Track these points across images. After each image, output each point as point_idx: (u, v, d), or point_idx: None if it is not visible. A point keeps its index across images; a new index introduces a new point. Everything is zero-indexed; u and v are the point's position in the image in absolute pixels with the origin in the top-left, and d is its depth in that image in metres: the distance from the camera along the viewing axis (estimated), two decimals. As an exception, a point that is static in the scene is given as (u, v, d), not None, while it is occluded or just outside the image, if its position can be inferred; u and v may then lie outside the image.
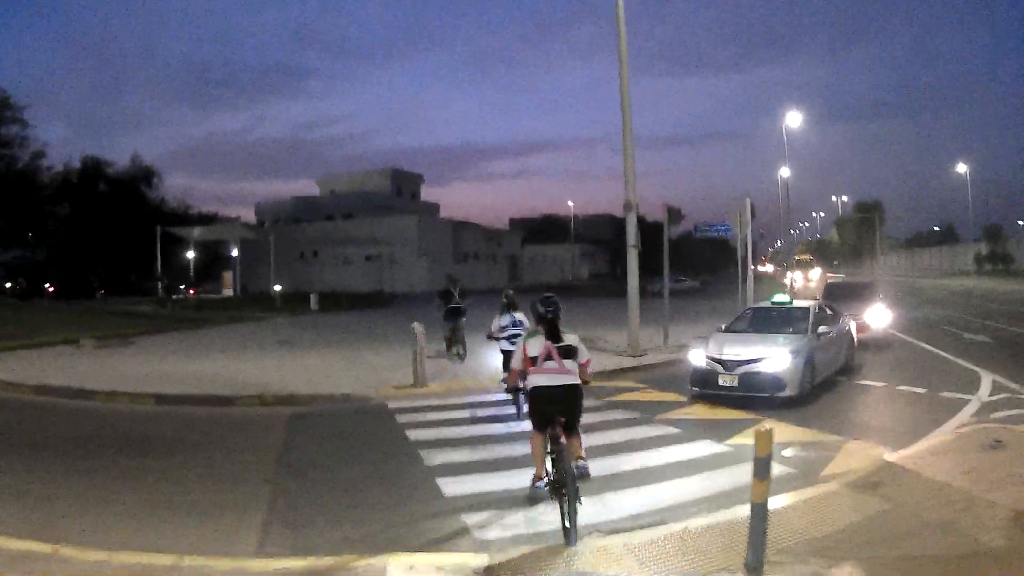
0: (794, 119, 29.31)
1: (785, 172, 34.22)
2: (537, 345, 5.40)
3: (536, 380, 5.34)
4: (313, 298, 32.79)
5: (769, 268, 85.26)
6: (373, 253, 57.20)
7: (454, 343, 14.01)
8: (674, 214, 16.50)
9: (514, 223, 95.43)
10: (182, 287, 44.59)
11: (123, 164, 58.92)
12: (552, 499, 5.11)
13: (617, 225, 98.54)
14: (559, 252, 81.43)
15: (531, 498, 5.57)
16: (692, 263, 76.15)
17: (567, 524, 4.63)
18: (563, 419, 5.18)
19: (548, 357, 5.34)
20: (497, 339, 9.64)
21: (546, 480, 5.31)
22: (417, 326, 10.97)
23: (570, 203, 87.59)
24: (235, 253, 43.81)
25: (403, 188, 67.60)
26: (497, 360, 10.38)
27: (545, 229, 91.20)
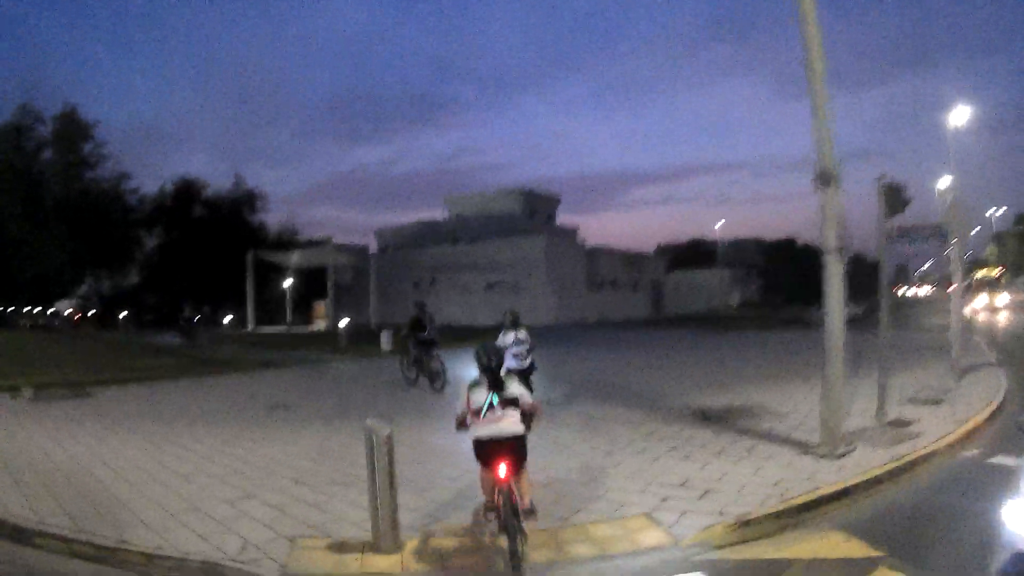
0: (960, 115, 21.79)
1: (945, 182, 26.93)
2: (480, 395, 5.46)
3: (478, 431, 5.45)
4: (385, 337, 26.61)
5: (923, 291, 75.09)
6: (495, 280, 52.29)
7: (428, 372, 13.83)
8: (896, 196, 9.70)
9: (659, 249, 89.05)
10: (228, 317, 41.37)
11: (226, 188, 57.31)
12: (499, 533, 5.28)
13: (767, 249, 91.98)
14: (706, 278, 74.20)
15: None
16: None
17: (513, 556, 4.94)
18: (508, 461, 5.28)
19: (489, 408, 5.42)
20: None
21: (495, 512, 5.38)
22: (374, 425, 5.80)
23: (716, 226, 79.27)
24: (330, 280, 39.90)
25: (537, 211, 61.90)
26: None
27: (690, 255, 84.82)
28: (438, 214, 64.33)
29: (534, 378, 10.89)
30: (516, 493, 5.19)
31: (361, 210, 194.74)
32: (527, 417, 5.57)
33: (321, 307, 46.09)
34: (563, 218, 66.50)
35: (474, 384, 5.61)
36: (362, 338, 30.55)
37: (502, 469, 5.21)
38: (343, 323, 31.69)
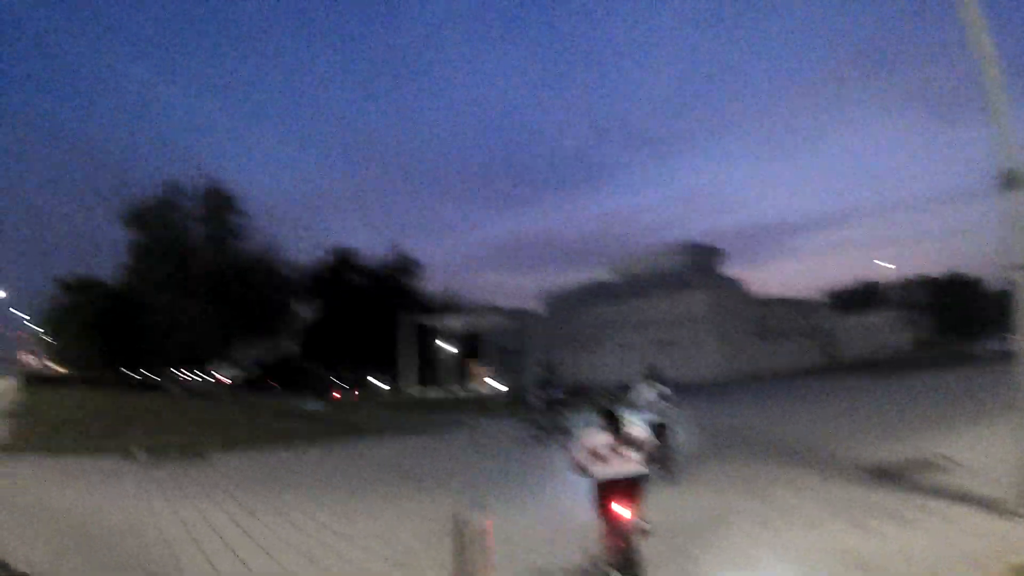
0: None
1: None
2: (597, 437, 5.67)
3: (599, 471, 5.56)
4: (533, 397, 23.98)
5: None
6: (660, 337, 51.63)
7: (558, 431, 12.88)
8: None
9: (826, 295, 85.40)
10: (383, 380, 41.48)
11: (380, 255, 58.26)
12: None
13: (933, 286, 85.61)
14: (874, 321, 70.20)
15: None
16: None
17: None
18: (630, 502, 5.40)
19: (613, 451, 5.57)
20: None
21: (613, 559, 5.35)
22: (466, 514, 5.55)
23: (882, 267, 74.98)
24: (487, 342, 40.47)
25: (701, 264, 60.24)
26: None
27: (857, 298, 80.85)
28: (603, 276, 64.62)
29: (680, 431, 11.10)
30: (635, 541, 5.29)
31: (523, 275, 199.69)
32: (650, 458, 5.73)
33: (480, 369, 46.36)
34: (728, 271, 64.72)
35: (591, 428, 5.81)
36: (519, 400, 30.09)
37: (626, 510, 5.32)
38: (497, 384, 31.39)
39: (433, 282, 60.75)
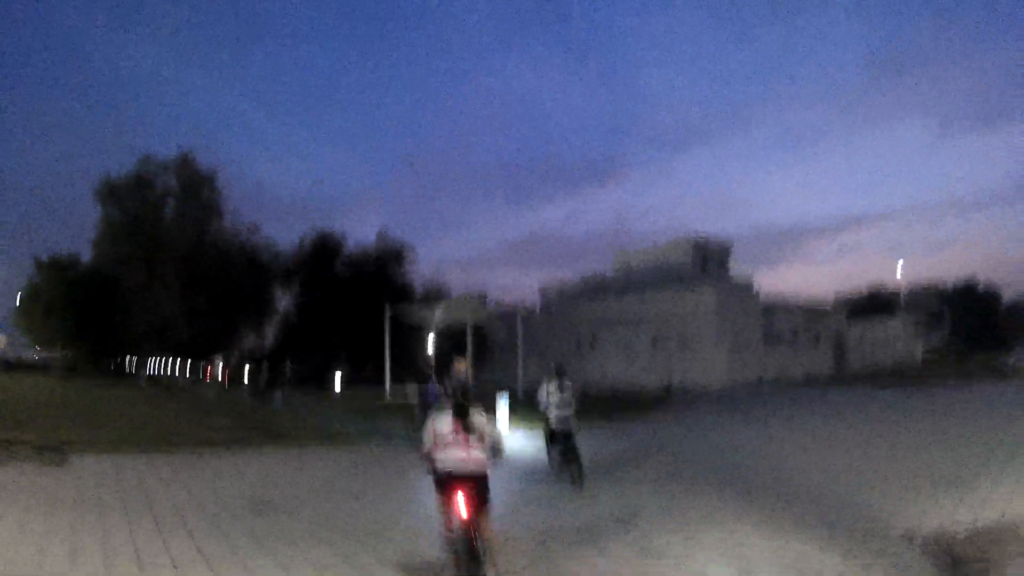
0: None
1: None
2: (444, 423, 5.73)
3: (443, 461, 5.63)
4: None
5: None
6: (659, 336, 48.11)
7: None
8: None
9: (838, 300, 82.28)
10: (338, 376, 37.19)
11: (365, 242, 55.15)
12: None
13: (948, 295, 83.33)
14: (888, 329, 67.04)
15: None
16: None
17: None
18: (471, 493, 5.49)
19: (455, 432, 5.66)
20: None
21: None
22: None
23: (897, 274, 72.66)
24: (469, 336, 34.48)
25: (709, 261, 56.26)
26: None
27: (870, 305, 78.70)
28: (604, 271, 61.48)
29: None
30: (476, 539, 5.39)
31: (537, 272, 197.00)
32: (493, 451, 5.76)
33: (461, 365, 41.17)
34: (739, 270, 60.60)
35: (439, 413, 5.88)
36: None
37: (462, 506, 5.39)
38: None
39: (434, 272, 55.92)
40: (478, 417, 5.68)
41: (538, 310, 57.26)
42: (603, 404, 26.09)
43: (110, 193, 44.76)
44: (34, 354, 68.03)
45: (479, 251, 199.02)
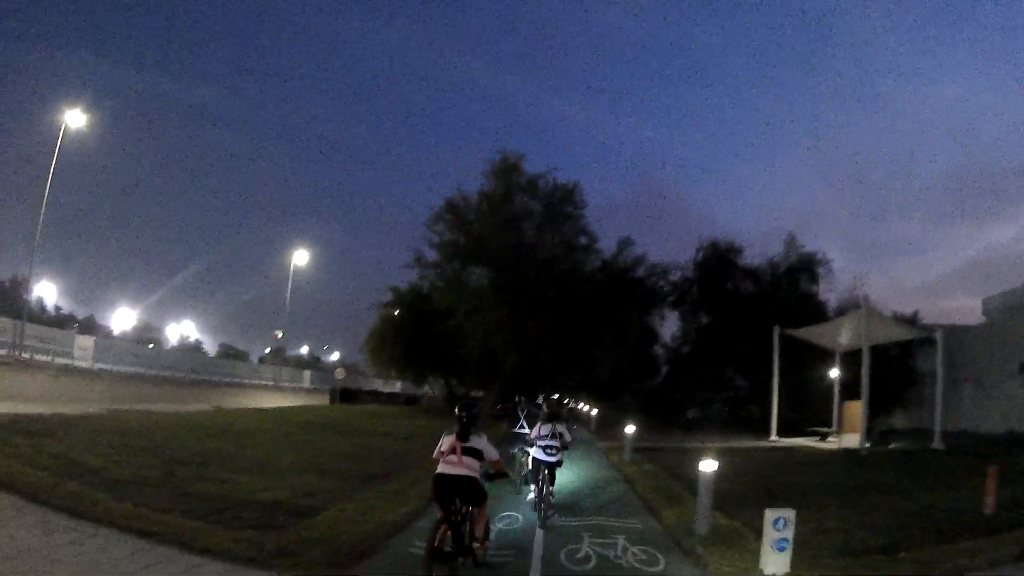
0: None
1: None
2: (446, 442, 6.62)
3: (439, 469, 6.51)
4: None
5: None
6: None
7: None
8: None
9: None
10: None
11: (768, 253, 43.91)
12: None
13: None
14: None
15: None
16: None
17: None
18: (464, 503, 6.58)
19: (452, 452, 6.49)
20: (532, 445, 10.74)
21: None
22: None
23: None
24: (864, 362, 24.85)
25: None
26: None
27: None
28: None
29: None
30: (466, 530, 6.57)
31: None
32: (487, 474, 6.86)
33: (853, 408, 26.35)
34: None
35: (449, 432, 6.78)
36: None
37: (448, 504, 6.37)
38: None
39: (851, 289, 42.37)
40: (479, 442, 6.76)
41: (977, 326, 41.76)
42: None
43: (448, 211, 39.14)
44: (381, 384, 66.47)
45: (936, 274, 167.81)
